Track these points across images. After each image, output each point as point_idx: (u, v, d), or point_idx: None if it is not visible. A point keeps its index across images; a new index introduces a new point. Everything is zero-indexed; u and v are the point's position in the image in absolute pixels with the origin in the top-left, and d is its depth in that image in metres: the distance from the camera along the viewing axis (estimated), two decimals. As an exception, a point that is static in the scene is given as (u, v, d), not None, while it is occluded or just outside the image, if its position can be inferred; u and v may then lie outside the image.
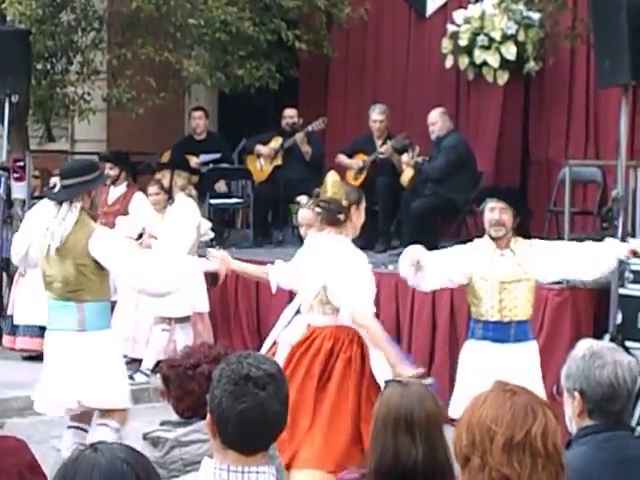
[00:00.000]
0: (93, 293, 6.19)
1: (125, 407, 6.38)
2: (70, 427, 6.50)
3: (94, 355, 6.17)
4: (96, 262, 6.14)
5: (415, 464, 3.37)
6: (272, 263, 6.56)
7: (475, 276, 6.60)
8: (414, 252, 6.58)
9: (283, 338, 6.36)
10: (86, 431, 6.41)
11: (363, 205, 6.17)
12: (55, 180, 10.45)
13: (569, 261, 6.57)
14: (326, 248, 6.02)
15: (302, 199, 7.18)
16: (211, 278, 6.13)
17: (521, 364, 6.46)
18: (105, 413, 6.30)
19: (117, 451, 2.31)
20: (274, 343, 6.45)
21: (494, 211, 6.55)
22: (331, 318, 5.96)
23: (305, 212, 6.98)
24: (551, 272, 6.67)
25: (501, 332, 6.54)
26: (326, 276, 5.92)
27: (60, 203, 6.28)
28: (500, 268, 6.55)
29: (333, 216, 6.03)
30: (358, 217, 6.11)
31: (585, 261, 6.55)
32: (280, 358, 6.04)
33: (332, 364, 5.86)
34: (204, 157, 11.67)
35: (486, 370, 6.45)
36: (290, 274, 6.46)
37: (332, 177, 6.22)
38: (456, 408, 6.23)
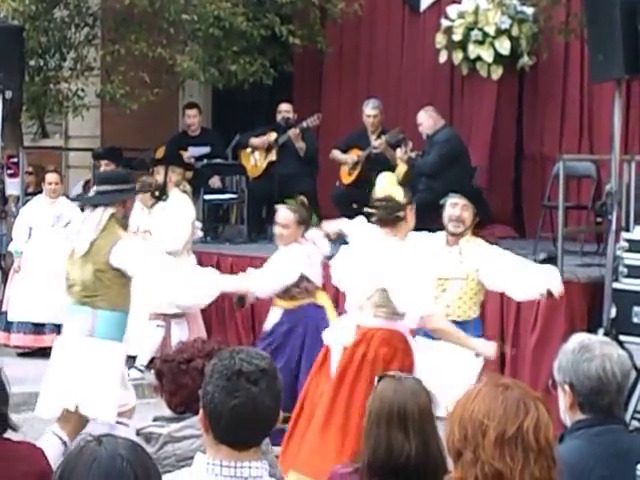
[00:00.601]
0: (108, 301, 6.10)
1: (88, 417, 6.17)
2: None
3: (92, 363, 6.03)
4: (115, 270, 6.06)
5: (408, 458, 3.38)
6: (266, 261, 6.50)
7: None
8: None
9: (334, 341, 6.13)
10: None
11: (414, 206, 6.04)
12: (49, 176, 10.48)
13: (505, 279, 6.46)
14: (384, 249, 5.87)
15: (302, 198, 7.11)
16: (238, 299, 6.06)
17: (452, 362, 6.29)
18: (61, 422, 6.13)
19: (120, 447, 2.32)
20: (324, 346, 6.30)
21: (456, 207, 6.55)
22: (383, 321, 5.84)
23: (286, 212, 6.90)
24: (489, 281, 6.54)
25: None
26: (386, 279, 5.77)
27: (94, 207, 6.24)
28: (441, 265, 6.50)
29: (392, 214, 5.86)
30: (412, 217, 5.98)
31: (518, 284, 6.45)
32: (334, 361, 5.95)
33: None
34: (193, 150, 11.65)
35: (426, 366, 6.43)
36: (269, 279, 6.38)
37: (388, 176, 6.12)
38: None
